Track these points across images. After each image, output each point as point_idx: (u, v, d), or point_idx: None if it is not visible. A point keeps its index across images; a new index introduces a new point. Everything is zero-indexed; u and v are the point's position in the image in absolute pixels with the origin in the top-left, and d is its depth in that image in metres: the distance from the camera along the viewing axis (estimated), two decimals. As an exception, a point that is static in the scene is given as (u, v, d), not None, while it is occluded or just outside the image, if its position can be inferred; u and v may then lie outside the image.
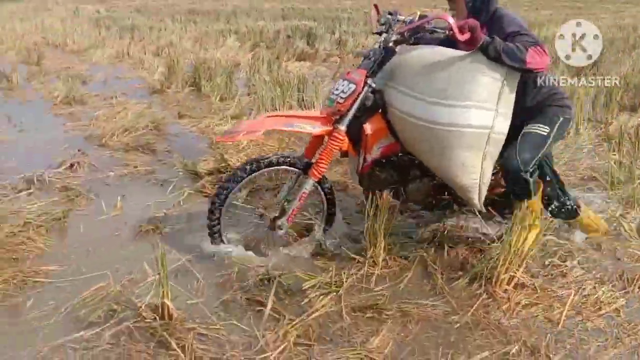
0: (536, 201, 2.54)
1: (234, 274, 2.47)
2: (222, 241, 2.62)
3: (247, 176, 2.54)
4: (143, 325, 2.09)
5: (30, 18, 16.13)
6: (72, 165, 3.82)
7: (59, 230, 2.96)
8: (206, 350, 1.99)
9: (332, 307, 2.25)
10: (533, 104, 2.56)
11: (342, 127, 2.51)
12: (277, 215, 2.64)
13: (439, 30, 2.42)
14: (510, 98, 2.37)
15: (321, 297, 2.29)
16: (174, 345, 1.98)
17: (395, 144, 2.62)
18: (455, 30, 2.27)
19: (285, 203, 2.66)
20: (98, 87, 6.82)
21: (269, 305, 2.22)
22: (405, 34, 2.49)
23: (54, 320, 2.17)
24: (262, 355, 1.97)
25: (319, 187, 2.66)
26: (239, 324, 2.15)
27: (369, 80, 2.50)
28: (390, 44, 2.50)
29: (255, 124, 2.55)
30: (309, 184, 2.57)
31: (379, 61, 2.50)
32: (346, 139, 2.55)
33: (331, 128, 2.51)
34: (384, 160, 2.64)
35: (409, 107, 2.44)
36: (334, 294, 2.33)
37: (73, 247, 2.77)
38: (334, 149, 2.53)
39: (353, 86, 2.47)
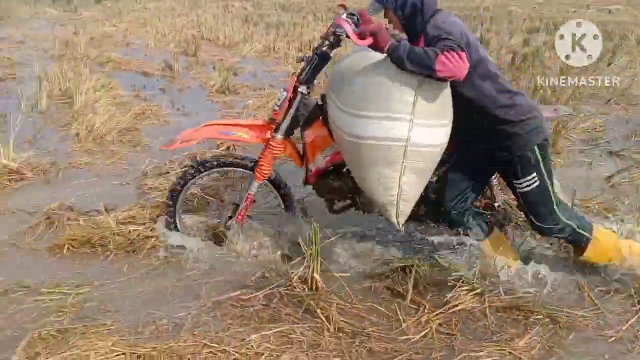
0: (599, 242, 2.42)
1: (374, 259, 2.57)
2: (176, 228, 2.69)
3: (192, 179, 2.59)
4: (292, 293, 2.26)
5: (187, 14, 17.74)
6: (228, 148, 4.18)
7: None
8: (348, 323, 2.11)
9: (474, 302, 2.23)
10: (503, 132, 2.26)
11: (279, 136, 2.49)
12: (230, 215, 2.67)
13: (343, 35, 2.26)
14: (430, 106, 2.09)
15: (463, 292, 2.28)
16: (320, 314, 2.13)
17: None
18: (352, 36, 2.15)
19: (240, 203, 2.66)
20: (248, 79, 7.33)
21: (410, 291, 2.27)
22: (330, 39, 2.35)
23: (214, 280, 2.42)
24: (404, 337, 2.04)
25: (270, 185, 2.64)
26: (379, 307, 2.23)
27: (301, 88, 2.42)
28: (324, 49, 2.38)
29: (193, 133, 2.58)
30: (254, 186, 2.57)
31: (312, 67, 2.41)
32: (286, 147, 2.53)
33: (269, 136, 2.51)
34: (343, 169, 2.54)
35: (336, 117, 2.29)
36: (476, 290, 2.29)
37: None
38: (273, 155, 2.52)
39: (285, 93, 2.44)
